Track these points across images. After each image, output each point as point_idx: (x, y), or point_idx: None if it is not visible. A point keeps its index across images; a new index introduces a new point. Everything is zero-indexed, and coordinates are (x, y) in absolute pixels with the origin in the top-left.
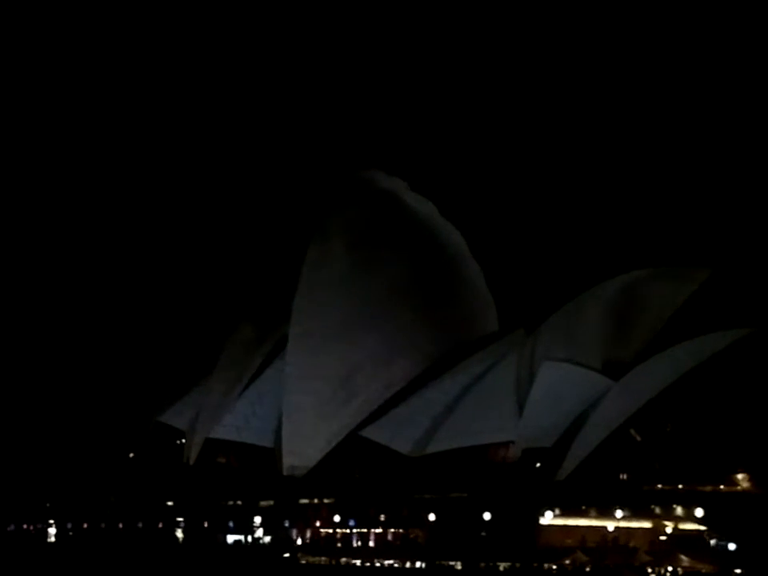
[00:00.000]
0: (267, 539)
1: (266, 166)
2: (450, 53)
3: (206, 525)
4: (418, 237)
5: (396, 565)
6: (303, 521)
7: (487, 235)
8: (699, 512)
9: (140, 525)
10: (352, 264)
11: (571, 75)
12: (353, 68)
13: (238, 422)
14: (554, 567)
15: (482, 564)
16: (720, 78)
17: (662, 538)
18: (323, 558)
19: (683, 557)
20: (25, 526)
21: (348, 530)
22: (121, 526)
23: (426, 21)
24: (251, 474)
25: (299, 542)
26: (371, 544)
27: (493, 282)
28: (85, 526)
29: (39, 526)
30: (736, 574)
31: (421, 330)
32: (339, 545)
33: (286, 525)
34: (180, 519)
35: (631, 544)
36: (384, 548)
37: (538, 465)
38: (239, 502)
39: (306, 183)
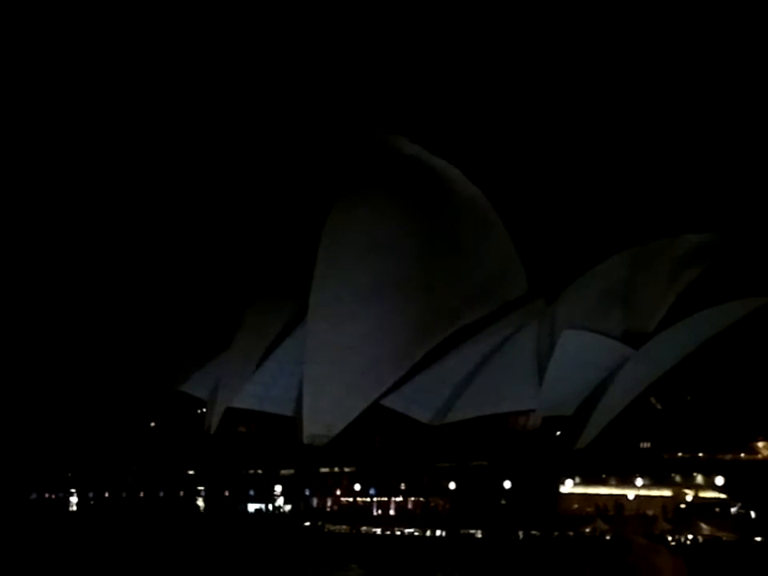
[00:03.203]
0: (288, 508)
1: (284, 135)
2: (462, 37)
3: (226, 493)
4: (443, 203)
5: (416, 533)
6: (324, 489)
7: (511, 201)
8: (720, 480)
9: (161, 494)
10: (373, 234)
11: (591, 56)
12: (374, 42)
13: (258, 391)
14: (574, 535)
15: (503, 532)
16: (731, 59)
17: (683, 506)
18: (344, 527)
19: (703, 525)
20: (47, 495)
21: (368, 499)
22: (142, 495)
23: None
24: (272, 442)
25: (320, 510)
26: (392, 512)
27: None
28: (106, 495)
29: (61, 495)
30: (756, 541)
31: (445, 298)
32: (360, 513)
33: (307, 493)
34: (201, 488)
35: (651, 512)
36: (404, 516)
37: (559, 433)
38: (260, 471)
39: (327, 152)
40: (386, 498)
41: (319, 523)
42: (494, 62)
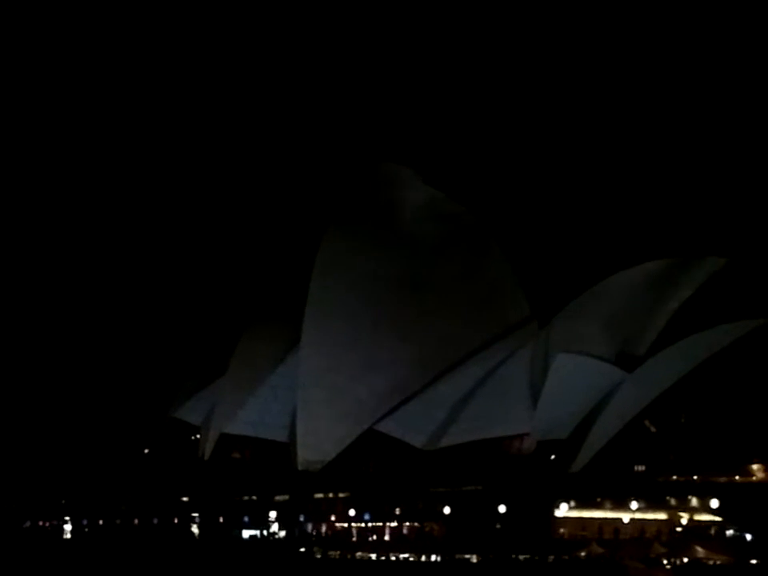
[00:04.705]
0: (282, 534)
1: (278, 160)
2: (455, 49)
3: (221, 520)
4: (436, 230)
5: (411, 558)
6: (318, 515)
7: (507, 224)
8: (714, 503)
9: (155, 521)
10: (367, 258)
11: (587, 68)
12: (363, 61)
13: (252, 417)
14: (569, 559)
15: (498, 557)
16: (730, 70)
17: (678, 529)
18: (339, 552)
19: (699, 548)
20: (40, 523)
21: (363, 524)
22: (136, 521)
23: (431, 18)
24: (266, 469)
25: (315, 536)
26: (386, 538)
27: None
28: (100, 522)
29: (55, 522)
30: (752, 564)
31: (440, 324)
32: (354, 539)
33: (302, 519)
34: (195, 515)
35: (646, 535)
36: (399, 542)
37: (553, 457)
38: (254, 497)
39: (319, 177)
40: (380, 524)
41: (314, 549)
42: (485, 81)
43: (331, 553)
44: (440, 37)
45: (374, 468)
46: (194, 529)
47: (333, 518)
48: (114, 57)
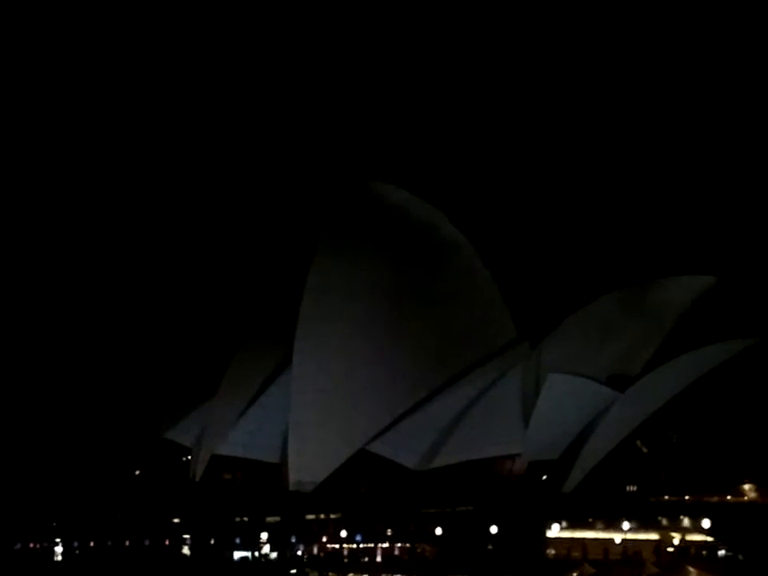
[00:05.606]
0: (274, 555)
1: (271, 181)
2: (455, 62)
3: (212, 541)
4: (426, 252)
5: None
6: (310, 536)
7: (496, 245)
8: (706, 523)
9: (147, 542)
10: (358, 279)
11: (581, 88)
12: (359, 76)
13: (243, 438)
14: None
15: None
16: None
17: (670, 549)
18: (331, 574)
19: (691, 568)
20: (31, 545)
21: (355, 545)
22: (127, 543)
23: (429, 26)
24: (257, 490)
25: (306, 557)
26: (378, 559)
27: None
28: (91, 544)
29: (46, 544)
30: None
31: (430, 346)
32: (346, 560)
33: (293, 540)
34: (187, 536)
35: (638, 555)
36: (391, 562)
37: (545, 477)
38: (246, 519)
39: (312, 196)
40: (372, 545)
41: (306, 570)
42: (475, 101)
43: (323, 574)
44: (430, 50)
45: (366, 489)
46: (185, 550)
47: (324, 539)
48: (117, 62)
